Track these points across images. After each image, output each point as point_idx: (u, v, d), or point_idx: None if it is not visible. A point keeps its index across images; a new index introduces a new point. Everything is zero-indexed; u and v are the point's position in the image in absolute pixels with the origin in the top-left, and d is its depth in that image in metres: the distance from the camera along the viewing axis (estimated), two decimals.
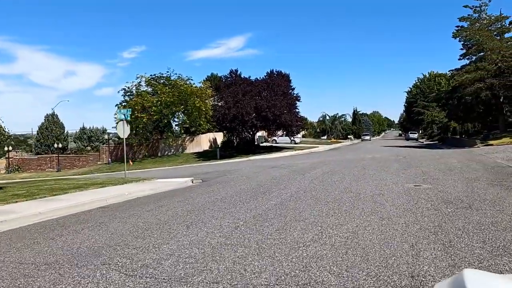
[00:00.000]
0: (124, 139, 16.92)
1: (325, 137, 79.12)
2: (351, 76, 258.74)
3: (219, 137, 41.97)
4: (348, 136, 77.59)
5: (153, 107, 39.00)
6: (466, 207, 7.38)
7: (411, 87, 78.99)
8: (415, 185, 10.34)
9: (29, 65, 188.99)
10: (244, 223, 6.35)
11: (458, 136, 44.60)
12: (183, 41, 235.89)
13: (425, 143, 54.16)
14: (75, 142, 68.12)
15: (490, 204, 7.52)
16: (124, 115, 16.68)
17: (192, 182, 14.36)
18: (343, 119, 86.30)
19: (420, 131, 79.41)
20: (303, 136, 77.96)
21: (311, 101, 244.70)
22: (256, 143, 43.21)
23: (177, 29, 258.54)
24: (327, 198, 8.54)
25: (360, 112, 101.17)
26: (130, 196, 10.07)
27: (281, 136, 47.74)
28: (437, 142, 50.44)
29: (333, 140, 67.89)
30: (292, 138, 50.80)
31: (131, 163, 30.52)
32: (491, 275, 1.21)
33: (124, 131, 16.51)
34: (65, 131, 62.80)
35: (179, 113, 42.93)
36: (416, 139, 69.47)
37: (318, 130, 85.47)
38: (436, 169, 14.12)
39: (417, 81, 76.72)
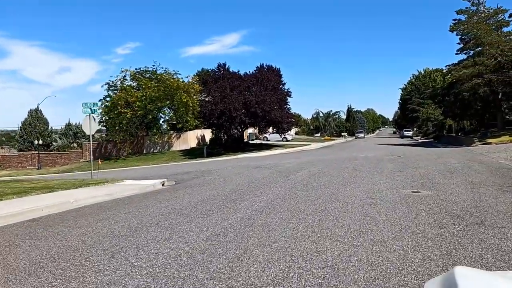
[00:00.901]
0: (91, 136, 15.29)
1: (318, 134, 77.71)
2: (346, 73, 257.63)
3: (208, 134, 40.33)
4: (342, 134, 76.15)
5: (137, 102, 37.23)
6: (477, 223, 5.89)
7: (406, 84, 77.74)
8: (413, 191, 8.85)
9: (24, 61, 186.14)
10: (190, 249, 4.79)
11: (454, 134, 43.31)
12: (178, 37, 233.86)
13: (420, 141, 52.88)
14: (60, 139, 66.13)
15: (506, 219, 6.05)
16: (91, 109, 15.00)
17: (163, 185, 12.78)
18: (337, 116, 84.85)
19: (415, 129, 78.22)
20: (296, 134, 76.52)
21: (305, 98, 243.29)
22: (246, 140, 41.66)
23: (172, 26, 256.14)
24: (307, 209, 7.00)
25: (355, 110, 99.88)
26: (76, 204, 8.48)
27: (272, 133, 46.22)
28: (432, 140, 49.14)
29: (326, 137, 66.45)
30: (283, 136, 49.30)
31: (99, 162, 28.86)
32: (482, 272, 1.24)
33: (90, 127, 14.87)
34: (49, 127, 60.81)
35: (166, 109, 41.21)
36: (411, 137, 68.26)
37: (311, 127, 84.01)
38: (435, 170, 12.65)
39: (412, 78, 75.46)
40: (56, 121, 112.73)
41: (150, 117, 37.78)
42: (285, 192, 9.15)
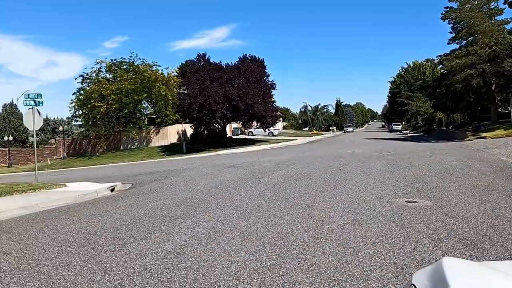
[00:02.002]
0: (35, 132, 13.17)
1: (307, 128, 75.96)
2: (336, 67, 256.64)
3: (189, 129, 38.20)
4: (330, 128, 74.49)
5: (112, 95, 34.89)
6: (504, 255, 4.12)
7: (394, 77, 76.35)
8: (407, 201, 7.05)
9: (9, 55, 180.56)
10: None
11: (445, 128, 41.90)
12: (167, 31, 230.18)
13: (409, 135, 51.45)
14: (37, 135, 63.35)
15: None
16: (35, 101, 12.86)
17: (112, 190, 10.79)
18: (325, 110, 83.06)
19: (404, 123, 76.97)
20: (284, 128, 74.76)
21: (294, 92, 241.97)
22: (229, 135, 39.70)
23: (160, 19, 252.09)
24: (266, 234, 5.10)
25: (343, 103, 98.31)
26: None
27: (258, 128, 44.27)
28: (422, 134, 47.73)
29: (314, 132, 64.70)
30: (269, 130, 47.46)
31: (49, 162, 26.77)
32: (469, 263, 1.29)
33: (34, 122, 12.75)
34: None
35: (144, 103, 38.93)
36: (400, 131, 66.94)
37: (300, 121, 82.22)
38: (431, 170, 10.87)
39: (401, 70, 74.09)
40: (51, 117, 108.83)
41: (126, 111, 35.45)
42: (248, 204, 7.25)
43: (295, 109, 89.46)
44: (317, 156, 17.74)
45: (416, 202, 6.98)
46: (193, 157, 27.78)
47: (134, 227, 5.82)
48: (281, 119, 73.47)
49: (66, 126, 54.39)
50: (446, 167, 11.42)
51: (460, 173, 10.25)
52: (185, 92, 31.83)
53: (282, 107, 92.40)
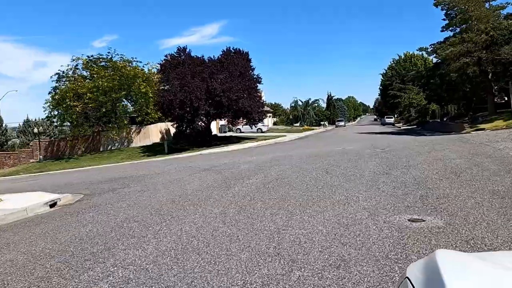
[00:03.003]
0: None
1: (298, 124, 74.16)
2: (327, 61, 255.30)
3: (172, 127, 36.21)
4: (321, 123, 72.71)
5: (88, 94, 32.75)
6: None
7: (386, 69, 74.77)
8: (411, 219, 5.34)
9: None
10: None
11: (439, 120, 40.37)
12: (156, 29, 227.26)
13: (402, 128, 49.90)
14: (18, 137, 60.85)
15: None
16: None
17: (52, 206, 8.91)
18: (316, 104, 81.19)
19: (396, 115, 75.53)
20: (275, 124, 72.98)
21: (285, 88, 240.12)
22: (214, 133, 37.80)
23: (150, 17, 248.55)
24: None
25: (335, 97, 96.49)
26: None
27: (246, 124, 42.39)
28: (415, 126, 46.17)
29: (305, 127, 62.89)
30: (258, 127, 45.66)
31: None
32: (462, 254, 1.28)
33: None
34: (4, 125, 55.51)
35: (125, 101, 36.83)
36: (393, 124, 65.44)
37: (290, 117, 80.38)
38: (434, 172, 9.17)
39: (392, 62, 72.52)
40: (31, 118, 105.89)
41: (104, 110, 33.31)
42: (199, 230, 5.44)
43: (287, 105, 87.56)
44: (303, 155, 15.99)
45: (423, 220, 5.26)
46: (173, 158, 25.93)
47: (19, 281, 3.97)
48: (270, 115, 71.66)
49: (49, 127, 52.12)
50: (450, 167, 9.72)
51: (469, 174, 8.55)
52: (165, 88, 29.81)
53: (274, 103, 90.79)
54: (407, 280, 1.15)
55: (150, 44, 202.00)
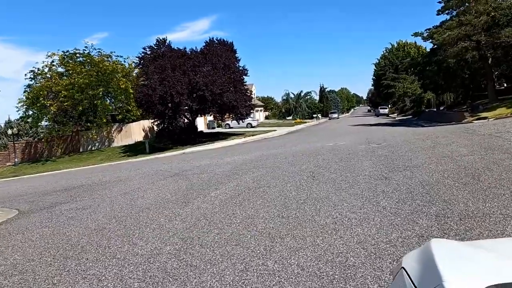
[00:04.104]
0: None
1: (290, 117, 72.15)
2: (320, 54, 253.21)
3: (154, 125, 34.12)
4: (314, 116, 70.75)
5: (63, 92, 30.57)
6: None
7: (379, 58, 72.95)
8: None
9: None
10: None
11: (435, 109, 38.61)
12: (147, 26, 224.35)
13: (397, 118, 48.10)
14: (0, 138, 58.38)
15: None
16: None
17: None
18: (308, 97, 79.20)
19: (390, 106, 73.79)
20: (267, 118, 71.05)
21: (279, 82, 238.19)
22: (200, 129, 35.79)
23: (140, 14, 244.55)
24: None
25: (328, 89, 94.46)
26: None
27: (235, 119, 40.44)
28: (411, 116, 44.41)
29: (297, 120, 60.89)
30: (247, 122, 43.75)
31: None
32: (456, 243, 1.28)
33: None
34: None
35: (106, 98, 34.59)
36: (387, 115, 63.64)
37: (283, 110, 78.31)
38: (445, 173, 7.33)
39: (385, 51, 70.70)
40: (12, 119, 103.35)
41: (81, 108, 31.13)
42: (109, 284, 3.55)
43: (279, 99, 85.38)
44: (289, 153, 14.11)
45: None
46: (152, 158, 23.98)
47: None
48: (261, 109, 69.63)
49: (27, 128, 49.72)
50: (464, 167, 7.88)
51: (490, 177, 6.71)
52: (144, 83, 27.70)
53: (266, 97, 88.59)
54: (403, 270, 1.16)
55: (141, 41, 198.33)
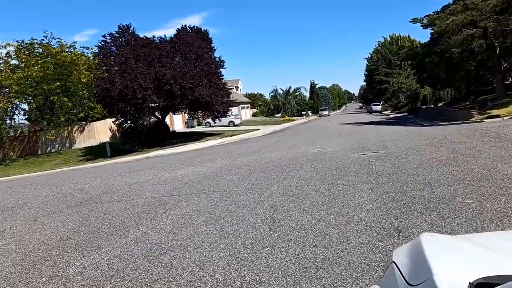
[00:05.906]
0: None
1: (279, 114, 68.65)
2: (311, 49, 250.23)
3: (114, 124, 30.30)
4: (303, 113, 67.30)
5: (14, 87, 26.72)
6: None
7: (371, 53, 69.83)
8: None
9: None
10: None
11: (433, 106, 35.41)
12: (137, 22, 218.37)
13: (392, 116, 44.72)
14: None
15: None
16: None
17: None
18: (298, 93, 75.76)
19: (383, 102, 70.55)
20: (254, 115, 67.48)
21: (269, 79, 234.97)
22: (173, 129, 32.13)
23: (131, 10, 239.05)
24: None
25: (319, 86, 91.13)
26: None
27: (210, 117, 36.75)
28: (406, 114, 41.11)
29: (285, 118, 57.40)
30: (230, 119, 40.26)
31: None
32: (445, 237, 1.28)
33: None
34: None
35: (59, 93, 30.59)
36: (380, 112, 60.34)
37: (271, 107, 74.73)
38: (504, 220, 3.91)
39: (377, 45, 67.59)
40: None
41: (34, 105, 27.29)
42: None
43: (268, 95, 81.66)
44: (258, 166, 10.59)
45: None
46: (110, 163, 20.40)
47: None
48: (248, 105, 66.02)
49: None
50: None
51: None
52: (102, 76, 23.97)
53: (256, 93, 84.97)
54: (393, 264, 1.16)
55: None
